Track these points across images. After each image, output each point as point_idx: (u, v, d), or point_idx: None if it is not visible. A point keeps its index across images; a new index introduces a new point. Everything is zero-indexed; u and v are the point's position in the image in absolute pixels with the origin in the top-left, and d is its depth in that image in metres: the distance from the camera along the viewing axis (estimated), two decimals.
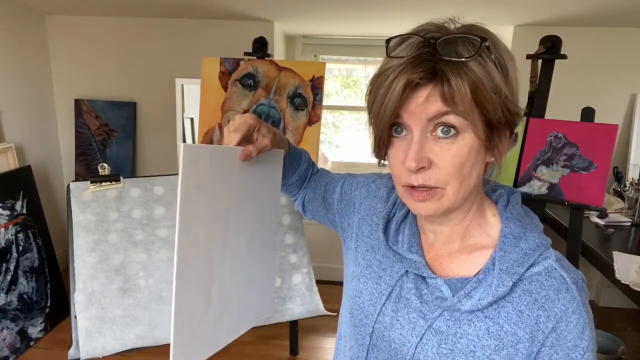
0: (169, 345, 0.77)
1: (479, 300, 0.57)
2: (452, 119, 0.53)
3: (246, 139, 0.75)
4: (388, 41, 0.57)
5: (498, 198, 0.64)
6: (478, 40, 0.52)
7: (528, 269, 0.57)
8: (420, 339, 0.61)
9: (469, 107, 0.53)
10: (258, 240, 0.86)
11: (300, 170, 0.92)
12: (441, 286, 0.60)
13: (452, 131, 0.54)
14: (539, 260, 0.57)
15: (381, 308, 0.66)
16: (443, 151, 0.55)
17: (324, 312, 1.11)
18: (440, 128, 0.54)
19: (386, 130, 0.57)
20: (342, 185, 0.84)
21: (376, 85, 0.56)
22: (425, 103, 0.53)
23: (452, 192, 0.56)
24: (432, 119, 0.54)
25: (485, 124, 0.55)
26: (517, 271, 0.56)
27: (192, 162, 0.69)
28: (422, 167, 0.55)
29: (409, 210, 0.69)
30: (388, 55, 0.55)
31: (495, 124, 0.55)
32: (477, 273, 0.59)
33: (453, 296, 0.59)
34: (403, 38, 0.55)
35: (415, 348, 0.61)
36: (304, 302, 1.11)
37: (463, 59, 0.51)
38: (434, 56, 0.52)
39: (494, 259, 0.58)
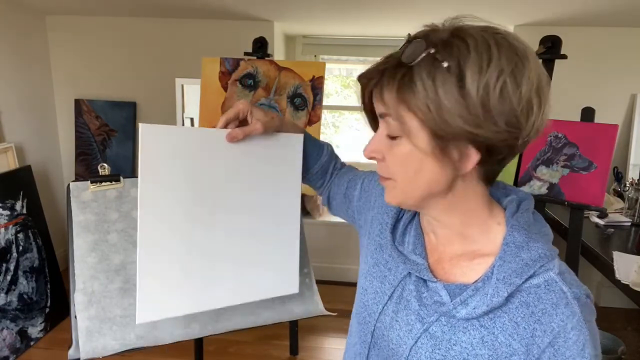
0: (169, 345, 0.89)
1: (474, 308, 0.56)
2: (390, 120, 0.55)
3: (241, 123, 0.83)
4: None
5: (508, 204, 0.62)
6: (423, 47, 0.51)
7: (527, 280, 0.55)
8: (415, 342, 0.60)
9: (399, 113, 0.53)
10: (269, 219, 0.92)
11: (321, 161, 0.92)
12: (440, 291, 0.60)
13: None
14: (540, 272, 0.55)
15: (383, 307, 0.66)
16: (389, 149, 0.58)
17: (324, 312, 1.10)
18: None
19: (368, 121, 0.61)
20: (363, 183, 0.84)
21: None
22: (377, 102, 0.56)
23: (401, 188, 0.59)
24: (381, 117, 0.57)
25: (431, 136, 0.52)
26: (514, 282, 0.54)
27: (153, 141, 0.80)
28: (377, 159, 0.59)
29: (416, 211, 0.69)
30: None
31: (445, 137, 0.52)
32: (476, 281, 0.58)
33: (451, 302, 0.58)
34: (406, 37, 0.56)
35: (410, 351, 0.61)
36: (304, 302, 1.10)
37: (410, 64, 0.51)
38: (398, 57, 0.53)
39: (494, 268, 0.57)
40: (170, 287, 0.84)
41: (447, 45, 0.50)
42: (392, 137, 0.57)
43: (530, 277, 0.55)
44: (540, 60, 1.87)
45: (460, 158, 0.54)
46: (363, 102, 0.59)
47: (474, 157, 0.54)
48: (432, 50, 0.50)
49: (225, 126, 0.83)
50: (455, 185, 0.58)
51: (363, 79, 0.57)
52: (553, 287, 0.54)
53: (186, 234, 0.84)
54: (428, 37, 0.52)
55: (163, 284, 0.83)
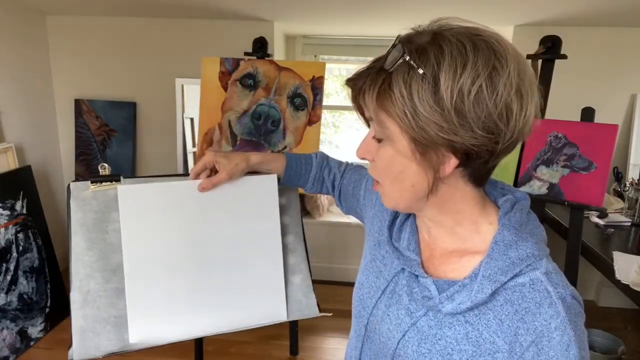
0: (169, 345, 0.93)
1: (459, 304, 0.56)
2: (374, 124, 0.56)
3: (214, 171, 0.97)
4: None
5: (502, 204, 0.62)
6: (399, 53, 0.51)
7: (513, 278, 0.55)
8: (403, 336, 0.61)
9: (380, 118, 0.54)
10: (250, 252, 1.03)
11: (312, 175, 0.99)
12: (430, 286, 0.61)
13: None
14: (526, 271, 0.55)
15: (376, 302, 0.68)
16: (376, 151, 0.59)
17: (319, 314, 1.11)
18: None
19: (365, 122, 0.62)
20: (367, 182, 0.87)
21: None
22: (362, 105, 0.57)
23: (388, 191, 0.61)
24: (369, 119, 0.58)
25: (410, 141, 0.53)
26: (499, 279, 0.55)
27: (131, 200, 0.94)
28: (368, 160, 0.61)
29: None
30: None
31: (424, 143, 0.52)
32: (465, 277, 0.58)
33: (438, 296, 0.59)
34: None
35: (397, 344, 0.62)
36: (299, 308, 1.11)
37: (389, 69, 0.52)
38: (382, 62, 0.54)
39: (481, 265, 0.57)
40: (159, 318, 0.97)
41: (422, 52, 0.50)
42: (378, 140, 0.58)
43: (516, 275, 0.55)
44: (540, 61, 1.87)
45: (439, 162, 0.54)
46: (354, 104, 0.60)
47: (452, 161, 0.54)
48: (407, 57, 0.50)
49: (196, 177, 0.97)
50: (438, 188, 0.58)
51: (349, 82, 0.57)
52: (538, 287, 0.54)
53: (169, 271, 0.97)
54: (409, 42, 0.52)
55: (152, 315, 0.96)
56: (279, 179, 1.03)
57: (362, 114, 0.60)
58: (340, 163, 1.01)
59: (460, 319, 0.57)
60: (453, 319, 0.58)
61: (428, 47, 0.50)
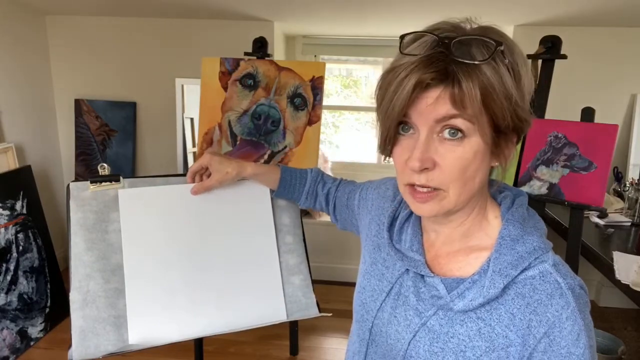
0: (166, 346, 0.94)
1: (471, 300, 0.57)
2: (459, 122, 0.53)
3: (208, 175, 1.02)
4: (402, 37, 0.56)
5: (503, 200, 0.63)
6: (493, 43, 0.51)
7: (522, 272, 0.56)
8: (414, 336, 0.61)
9: (478, 112, 0.52)
10: (246, 253, 1.05)
11: (305, 189, 1.02)
12: (437, 285, 0.61)
13: (459, 134, 0.53)
14: (535, 264, 0.56)
15: (381, 304, 0.67)
16: (448, 153, 0.54)
17: (319, 314, 1.11)
18: (448, 130, 0.54)
19: (393, 128, 0.56)
20: (361, 192, 0.88)
21: (386, 82, 0.55)
22: (435, 104, 0.52)
23: (454, 195, 0.56)
24: (440, 121, 0.53)
25: (493, 129, 0.54)
26: (510, 274, 0.55)
27: (131, 202, 0.99)
28: (426, 168, 0.55)
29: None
30: (401, 52, 0.54)
31: (503, 130, 0.55)
32: (473, 274, 0.59)
33: (448, 295, 0.59)
34: (417, 35, 0.54)
35: (408, 345, 0.62)
36: (299, 308, 1.11)
37: (476, 62, 0.50)
38: (447, 57, 0.51)
39: (490, 261, 0.58)
40: (159, 318, 0.98)
41: (505, 42, 0.53)
42: (451, 140, 0.54)
43: (526, 269, 0.56)
44: (540, 61, 1.87)
45: (506, 147, 0.57)
46: (402, 108, 0.54)
47: (513, 144, 0.58)
48: (502, 47, 0.52)
49: (193, 177, 1.03)
50: (486, 180, 0.61)
51: (423, 82, 0.51)
52: (548, 278, 0.55)
53: (169, 272, 1.00)
54: (486, 35, 0.53)
55: (152, 315, 0.97)
56: (272, 192, 1.06)
57: (404, 117, 0.55)
58: (334, 179, 1.04)
59: (472, 315, 0.57)
60: (464, 316, 0.58)
61: (501, 38, 0.53)
